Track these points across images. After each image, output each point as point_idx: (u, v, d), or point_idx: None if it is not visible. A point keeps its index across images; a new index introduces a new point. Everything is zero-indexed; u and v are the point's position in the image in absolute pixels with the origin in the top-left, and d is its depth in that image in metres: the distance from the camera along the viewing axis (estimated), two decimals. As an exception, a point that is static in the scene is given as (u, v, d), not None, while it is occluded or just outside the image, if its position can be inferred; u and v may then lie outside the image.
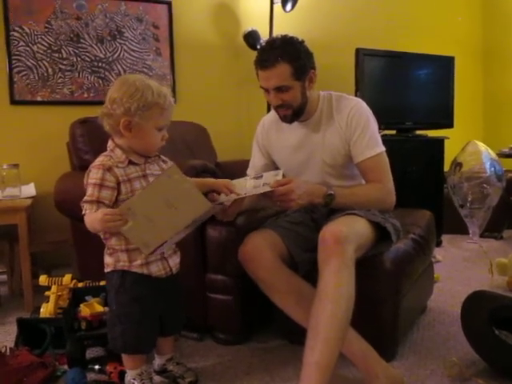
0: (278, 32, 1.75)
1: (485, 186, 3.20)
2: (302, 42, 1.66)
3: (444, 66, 3.57)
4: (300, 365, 1.33)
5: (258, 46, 3.21)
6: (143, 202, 1.26)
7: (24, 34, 2.78)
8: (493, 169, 3.24)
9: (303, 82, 1.64)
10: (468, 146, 3.40)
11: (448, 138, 3.47)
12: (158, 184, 1.28)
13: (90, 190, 1.33)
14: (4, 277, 2.72)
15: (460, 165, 3.32)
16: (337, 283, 1.35)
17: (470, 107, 4.36)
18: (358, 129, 1.66)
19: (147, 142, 1.40)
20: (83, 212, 1.32)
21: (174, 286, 1.50)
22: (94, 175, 1.34)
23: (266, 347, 1.85)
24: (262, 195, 1.51)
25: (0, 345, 1.74)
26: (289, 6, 3.25)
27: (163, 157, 1.51)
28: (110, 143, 1.42)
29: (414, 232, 1.88)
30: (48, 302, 1.89)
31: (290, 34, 1.70)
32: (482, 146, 3.36)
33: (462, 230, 3.45)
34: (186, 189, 1.26)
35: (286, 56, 1.58)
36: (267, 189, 1.47)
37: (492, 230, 3.57)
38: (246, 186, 1.55)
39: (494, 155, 3.34)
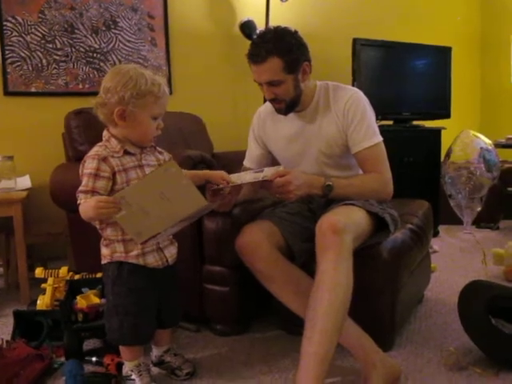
0: (274, 22, 1.74)
1: (472, 176, 3.20)
2: (295, 32, 1.63)
3: (441, 56, 3.56)
4: (298, 355, 1.33)
5: (254, 36, 3.19)
6: (138, 192, 1.26)
7: (17, 24, 2.74)
8: (482, 159, 3.23)
9: (296, 75, 1.63)
10: (460, 136, 3.39)
11: (445, 129, 3.47)
12: (154, 176, 1.27)
13: (85, 180, 1.32)
14: (0, 269, 2.71)
15: (448, 155, 3.33)
16: (334, 274, 1.34)
17: (466, 98, 4.36)
18: (355, 119, 1.65)
19: (142, 130, 1.39)
20: (78, 201, 1.32)
21: (171, 277, 1.50)
22: (89, 165, 1.33)
23: (263, 338, 1.85)
24: (261, 187, 1.50)
25: (-3, 337, 1.73)
26: (285, -4, 3.22)
27: (159, 148, 1.50)
28: (105, 133, 1.42)
29: (412, 222, 1.88)
30: (44, 294, 1.88)
31: (286, 24, 1.68)
32: (473, 136, 3.35)
33: (458, 220, 3.47)
34: (183, 184, 1.26)
35: (276, 50, 1.56)
36: (266, 178, 1.46)
37: (488, 220, 3.58)
38: (245, 177, 1.54)
39: (488, 145, 3.33)
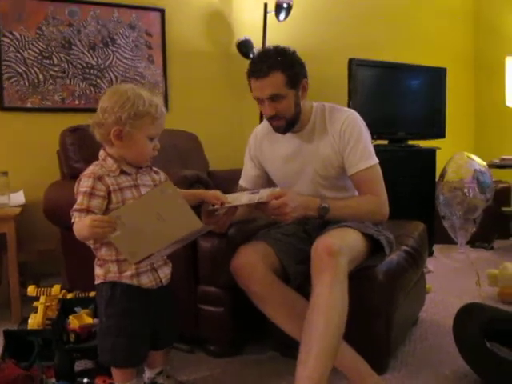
0: (271, 41, 1.76)
1: (466, 198, 3.21)
2: (294, 52, 1.66)
3: (436, 77, 3.60)
4: (292, 378, 1.31)
5: (251, 55, 3.21)
6: (133, 212, 1.25)
7: (14, 40, 2.75)
8: (475, 181, 3.24)
9: (297, 91, 1.64)
10: (454, 158, 3.41)
11: (440, 149, 3.49)
12: (150, 197, 1.27)
13: (79, 199, 1.31)
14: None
15: (442, 176, 3.34)
16: (330, 297, 1.34)
17: (461, 118, 4.39)
18: (351, 141, 1.65)
19: (138, 151, 1.39)
20: (72, 220, 1.31)
21: (165, 298, 1.48)
22: (84, 183, 1.32)
23: (257, 360, 1.83)
24: (256, 208, 1.50)
25: (-14, 357, 1.70)
26: (282, 16, 3.26)
27: (155, 168, 1.50)
28: (101, 152, 1.41)
29: (407, 244, 1.88)
30: (36, 312, 1.85)
31: (283, 43, 1.70)
32: (467, 158, 3.37)
33: (453, 239, 3.47)
34: (179, 205, 1.25)
35: (279, 65, 1.58)
36: (261, 200, 1.46)
37: (483, 240, 3.59)
38: (241, 199, 1.53)
39: (482, 166, 3.35)
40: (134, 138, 1.35)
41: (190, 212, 1.26)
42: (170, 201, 1.24)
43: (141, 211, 1.25)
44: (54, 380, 1.62)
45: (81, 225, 1.27)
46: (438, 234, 3.40)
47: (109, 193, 1.33)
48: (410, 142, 3.53)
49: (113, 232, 1.24)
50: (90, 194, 1.31)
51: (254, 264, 1.56)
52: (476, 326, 1.61)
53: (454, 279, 2.85)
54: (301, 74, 1.65)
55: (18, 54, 2.76)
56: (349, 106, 3.15)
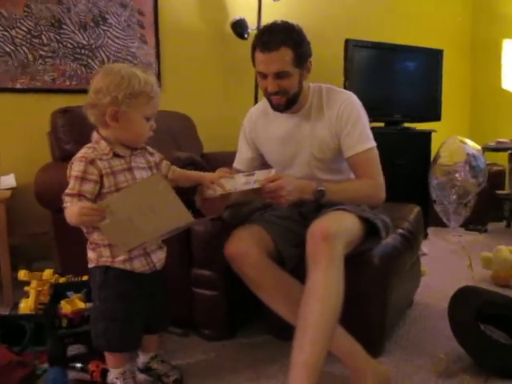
0: (266, 21, 1.70)
1: (456, 182, 3.20)
2: (302, 30, 1.62)
3: (433, 58, 3.56)
4: (287, 361, 1.31)
5: (246, 35, 3.16)
6: (123, 202, 1.24)
7: (1, 18, 2.67)
8: (467, 165, 3.23)
9: (302, 70, 1.61)
10: (446, 142, 3.39)
11: (435, 131, 3.48)
12: (141, 187, 1.26)
13: (71, 183, 1.29)
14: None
15: (435, 160, 3.33)
16: (325, 281, 1.32)
17: (457, 101, 4.36)
18: (348, 123, 1.63)
19: (135, 131, 1.36)
20: (64, 205, 1.28)
21: (159, 282, 1.46)
22: (76, 168, 1.30)
23: (252, 343, 1.82)
24: (252, 191, 1.47)
25: (-23, 342, 1.68)
26: (277, -5, 3.19)
27: (150, 148, 1.47)
28: (94, 135, 1.38)
29: (403, 227, 1.87)
30: (28, 297, 1.83)
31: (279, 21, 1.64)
32: (460, 142, 3.34)
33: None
34: (170, 200, 1.23)
35: (290, 41, 1.54)
36: (257, 185, 1.44)
37: (476, 222, 3.59)
38: (237, 181, 1.51)
39: (476, 150, 3.32)
40: (130, 118, 1.33)
41: (181, 206, 1.23)
42: (160, 194, 1.23)
43: (131, 201, 1.24)
44: (46, 365, 1.60)
45: (70, 211, 1.26)
46: (432, 217, 3.39)
47: (101, 177, 1.31)
48: (406, 125, 3.50)
49: (101, 220, 1.23)
50: (82, 179, 1.28)
51: (248, 248, 1.54)
52: (470, 309, 1.61)
53: (449, 262, 2.86)
54: (307, 54, 1.62)
55: (5, 33, 2.68)
56: (345, 87, 3.11)
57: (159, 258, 1.45)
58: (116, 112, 1.31)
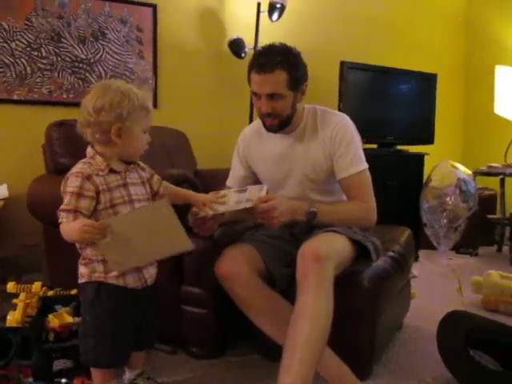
0: (263, 41, 1.73)
1: (447, 206, 3.22)
2: (300, 53, 1.64)
3: (426, 82, 3.62)
4: (274, 382, 1.30)
5: (243, 54, 3.20)
6: (126, 223, 1.25)
7: (2, 30, 2.69)
8: (458, 190, 3.25)
9: (296, 93, 1.62)
10: (438, 165, 3.41)
11: (428, 154, 3.51)
12: (144, 211, 1.28)
13: (67, 199, 1.28)
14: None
15: (427, 183, 3.35)
16: (315, 302, 1.33)
17: (450, 124, 4.42)
18: (342, 145, 1.64)
19: (135, 145, 1.38)
20: (60, 220, 1.28)
21: (150, 298, 1.45)
22: (72, 183, 1.29)
23: (240, 362, 1.81)
24: (244, 210, 1.48)
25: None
26: (275, 16, 3.24)
27: (142, 163, 1.47)
28: (89, 150, 1.37)
29: (394, 250, 1.88)
30: (15, 309, 1.81)
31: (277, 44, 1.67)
32: (451, 166, 3.37)
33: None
34: (172, 225, 1.25)
35: (285, 64, 1.56)
36: (249, 205, 1.44)
37: (467, 246, 3.61)
38: (229, 199, 1.51)
39: (466, 174, 3.35)
40: (132, 133, 1.34)
41: (182, 232, 1.25)
42: (163, 219, 1.24)
43: (133, 224, 1.25)
44: (31, 379, 1.58)
45: (70, 228, 1.25)
46: (423, 239, 3.41)
47: (97, 193, 1.30)
48: (399, 147, 3.54)
49: (102, 239, 1.23)
50: (78, 195, 1.27)
51: (238, 267, 1.55)
52: (459, 334, 1.61)
53: (439, 285, 2.86)
54: (303, 78, 1.63)
55: (5, 45, 2.70)
56: (339, 109, 3.15)
57: (151, 273, 1.44)
58: (120, 128, 1.32)
